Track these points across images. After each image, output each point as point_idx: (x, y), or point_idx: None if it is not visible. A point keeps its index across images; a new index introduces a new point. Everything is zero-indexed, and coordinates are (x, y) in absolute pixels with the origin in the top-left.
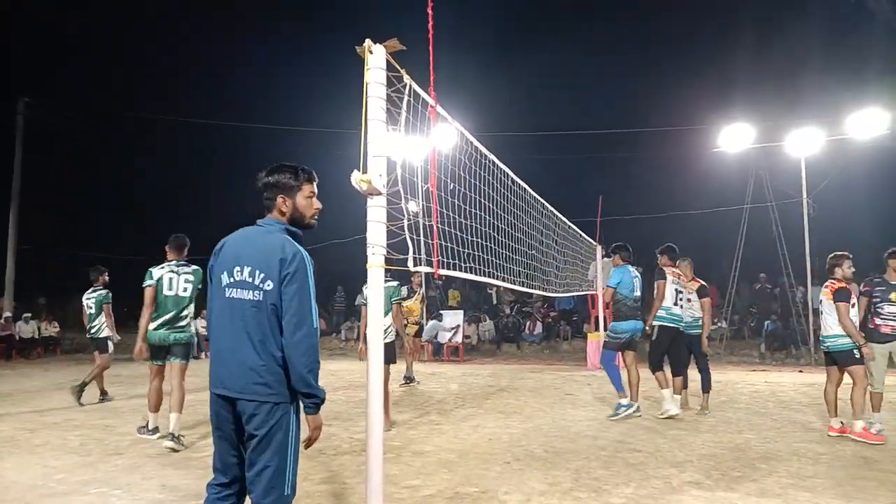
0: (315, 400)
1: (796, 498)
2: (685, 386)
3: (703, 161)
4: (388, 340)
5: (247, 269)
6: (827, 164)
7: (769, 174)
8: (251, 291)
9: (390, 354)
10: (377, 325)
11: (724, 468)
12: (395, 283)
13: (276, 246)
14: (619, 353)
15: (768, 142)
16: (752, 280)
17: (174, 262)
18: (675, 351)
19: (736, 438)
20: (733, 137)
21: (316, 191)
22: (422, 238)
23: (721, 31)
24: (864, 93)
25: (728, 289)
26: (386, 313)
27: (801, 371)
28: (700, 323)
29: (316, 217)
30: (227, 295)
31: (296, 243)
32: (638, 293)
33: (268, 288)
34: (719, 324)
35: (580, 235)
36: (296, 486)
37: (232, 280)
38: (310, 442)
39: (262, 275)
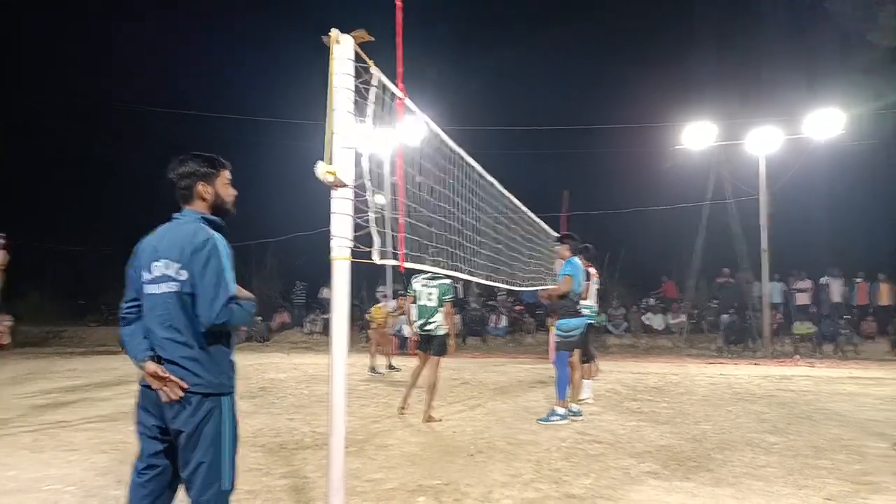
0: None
1: (749, 486)
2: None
3: (667, 158)
4: (441, 333)
5: (163, 262)
6: (785, 163)
7: (729, 171)
8: (167, 283)
9: (441, 347)
10: (342, 316)
11: (681, 458)
12: (448, 281)
13: (189, 234)
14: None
15: (729, 140)
16: (712, 275)
17: None
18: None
19: (693, 429)
20: (695, 135)
21: (230, 177)
22: (388, 231)
23: (686, 30)
24: (821, 94)
25: (688, 283)
26: (438, 309)
27: (756, 364)
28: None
29: (234, 204)
30: (146, 292)
31: (210, 230)
32: (581, 289)
33: (182, 278)
34: (679, 318)
35: (546, 230)
36: (234, 480)
37: (150, 276)
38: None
39: (176, 265)
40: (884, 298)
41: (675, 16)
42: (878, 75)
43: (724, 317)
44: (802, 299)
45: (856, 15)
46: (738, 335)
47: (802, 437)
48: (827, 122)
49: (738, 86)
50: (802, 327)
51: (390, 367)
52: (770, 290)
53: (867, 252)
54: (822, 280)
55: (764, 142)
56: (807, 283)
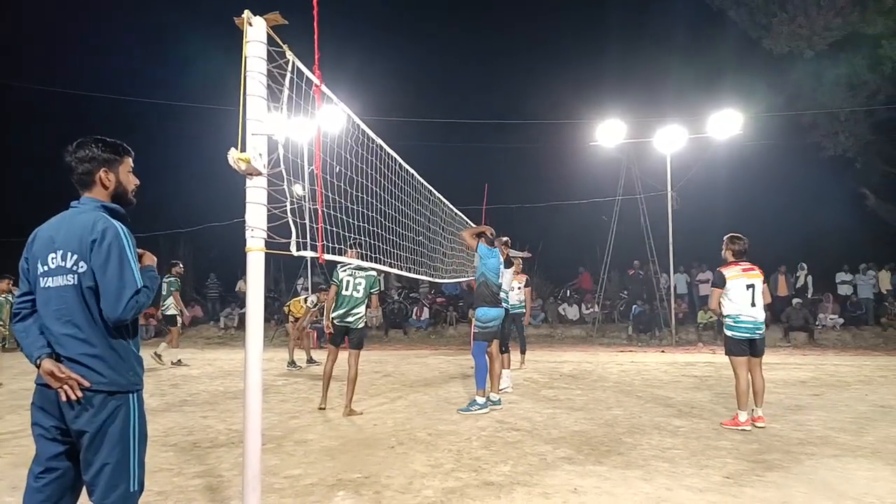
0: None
1: (657, 468)
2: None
3: (582, 154)
4: (360, 326)
5: (59, 253)
6: (689, 161)
7: (639, 168)
8: (66, 276)
9: (361, 340)
10: (257, 309)
11: (594, 443)
12: (375, 273)
13: (88, 224)
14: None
15: (639, 138)
16: (623, 267)
17: None
18: (503, 332)
19: (605, 415)
20: (608, 132)
21: (133, 166)
22: (306, 222)
23: (600, 32)
24: (721, 96)
25: (600, 275)
26: (363, 301)
27: (663, 351)
28: (523, 306)
29: (135, 193)
30: (41, 285)
31: (110, 218)
32: (501, 280)
33: (81, 270)
34: (592, 308)
35: (466, 223)
36: (143, 482)
37: (47, 268)
38: None
39: (74, 256)
40: (780, 290)
41: (591, 18)
42: (771, 79)
43: (634, 307)
44: (705, 290)
45: (752, 22)
46: (646, 324)
47: (705, 420)
48: (726, 122)
49: (647, 87)
50: (705, 316)
51: (310, 361)
52: (675, 282)
53: (763, 245)
54: None
55: (670, 140)
56: (708, 275)
